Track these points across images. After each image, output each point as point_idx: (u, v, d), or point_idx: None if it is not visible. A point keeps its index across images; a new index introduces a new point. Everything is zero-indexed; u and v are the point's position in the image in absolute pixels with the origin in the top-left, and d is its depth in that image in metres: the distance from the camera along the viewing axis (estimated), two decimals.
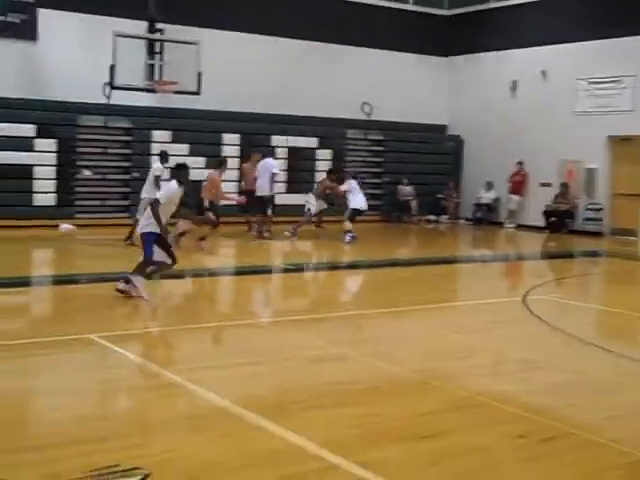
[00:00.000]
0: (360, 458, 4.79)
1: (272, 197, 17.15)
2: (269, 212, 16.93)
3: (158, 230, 9.39)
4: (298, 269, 13.18)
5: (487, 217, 22.26)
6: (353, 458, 4.77)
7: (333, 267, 14.20)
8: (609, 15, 19.88)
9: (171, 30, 18.17)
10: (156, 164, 14.88)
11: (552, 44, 21.09)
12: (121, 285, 9.44)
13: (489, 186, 22.49)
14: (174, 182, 9.85)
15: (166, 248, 9.60)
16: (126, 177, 19.08)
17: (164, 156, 14.87)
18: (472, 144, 23.38)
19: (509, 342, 8.20)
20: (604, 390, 6.60)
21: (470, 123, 23.25)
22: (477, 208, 22.58)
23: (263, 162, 17.09)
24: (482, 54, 23.00)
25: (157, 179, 14.50)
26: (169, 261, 9.57)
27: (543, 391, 6.42)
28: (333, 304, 10.43)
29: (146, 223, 9.53)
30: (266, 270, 13.29)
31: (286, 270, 13.34)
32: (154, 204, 9.52)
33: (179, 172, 10.05)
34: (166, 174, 14.46)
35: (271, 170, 16.90)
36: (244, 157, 18.98)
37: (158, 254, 9.42)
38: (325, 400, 5.95)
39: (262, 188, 16.80)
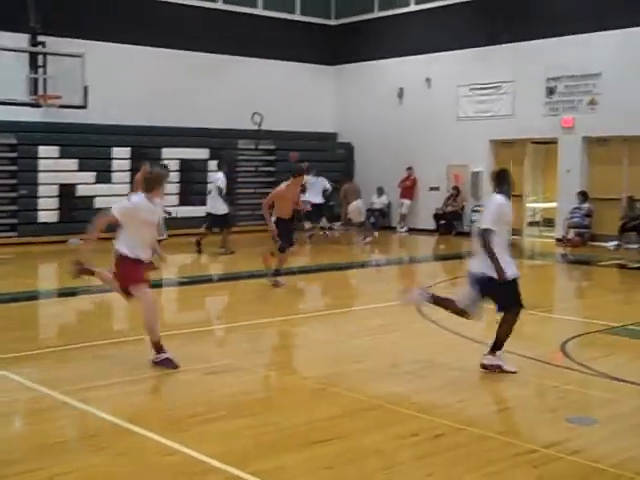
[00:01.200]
0: (257, 468, 4.84)
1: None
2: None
3: None
4: (191, 282, 13.08)
5: (380, 222, 22.66)
6: (250, 468, 4.82)
7: (226, 278, 14.16)
8: (488, 23, 20.61)
9: (54, 43, 17.76)
10: (218, 174, 15.47)
11: (435, 52, 21.70)
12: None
13: (380, 192, 22.91)
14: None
15: None
16: (13, 195, 18.52)
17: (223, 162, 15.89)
18: (362, 151, 23.78)
19: (402, 344, 8.40)
20: (490, 385, 6.87)
21: (360, 130, 23.65)
22: (370, 213, 22.91)
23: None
24: (369, 62, 23.44)
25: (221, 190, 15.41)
26: None
27: (434, 390, 6.62)
28: (227, 315, 10.42)
29: None
30: (156, 284, 13.09)
31: (179, 283, 13.24)
32: None
33: None
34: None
35: (217, 184, 16.62)
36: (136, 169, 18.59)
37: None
38: (220, 412, 5.97)
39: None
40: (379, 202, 22.89)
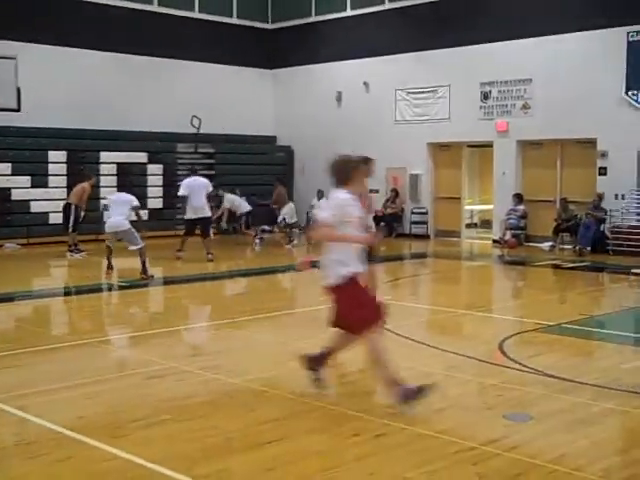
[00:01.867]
0: (199, 472, 4.83)
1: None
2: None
3: None
4: (131, 286, 12.95)
5: None
6: (192, 472, 4.81)
7: (168, 282, 14.06)
8: (425, 28, 20.90)
9: None
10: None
11: (373, 56, 21.91)
12: None
13: (320, 194, 22.94)
14: None
15: None
16: None
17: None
18: (302, 154, 23.85)
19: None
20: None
21: (299, 133, 23.72)
22: (310, 216, 23.00)
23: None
24: (307, 66, 23.55)
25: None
26: None
27: (374, 391, 6.67)
28: (170, 319, 10.35)
29: None
30: (96, 289, 12.94)
31: (119, 287, 13.09)
32: None
33: None
34: None
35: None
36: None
37: None
38: (162, 416, 5.93)
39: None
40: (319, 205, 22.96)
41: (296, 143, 24.04)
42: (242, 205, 19.46)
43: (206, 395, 6.53)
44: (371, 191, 21.91)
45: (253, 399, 6.42)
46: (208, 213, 16.08)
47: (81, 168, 16.68)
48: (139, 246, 13.49)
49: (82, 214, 16.73)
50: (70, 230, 16.40)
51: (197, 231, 16.03)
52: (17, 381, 6.90)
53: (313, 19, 23.61)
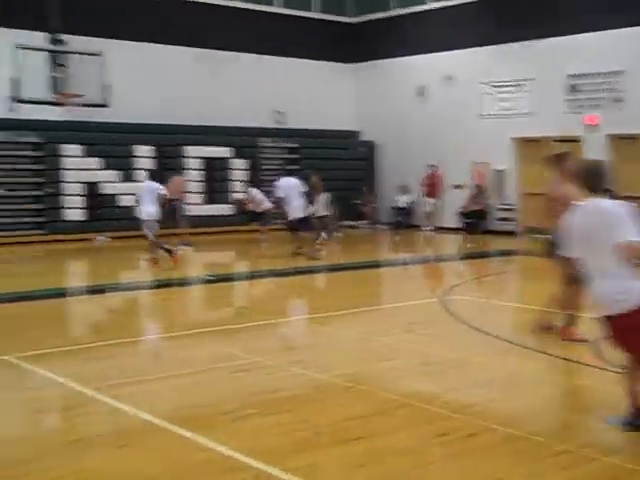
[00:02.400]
0: (289, 465, 4.81)
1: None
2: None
3: None
4: (218, 279, 13.11)
5: (405, 221, 22.58)
6: (282, 466, 4.80)
7: (252, 276, 14.17)
8: (509, 20, 20.48)
9: (75, 41, 17.86)
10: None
11: (456, 49, 21.60)
12: None
13: (404, 190, 22.84)
14: None
15: None
16: (39, 193, 18.65)
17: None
18: (385, 149, 23.71)
19: (430, 343, 8.34)
20: (522, 385, 6.78)
21: (382, 128, 23.58)
22: (394, 212, 22.88)
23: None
24: (389, 60, 23.38)
25: None
26: None
27: (464, 389, 6.56)
28: (254, 313, 10.42)
29: None
30: (185, 282, 13.17)
31: (206, 281, 13.25)
32: None
33: None
34: None
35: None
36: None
37: None
38: (250, 410, 5.95)
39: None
40: (403, 200, 22.83)
41: (379, 138, 23.90)
42: (263, 201, 18.81)
43: (293, 389, 6.53)
44: (456, 187, 21.84)
45: (340, 394, 6.39)
46: (305, 212, 16.12)
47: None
48: (151, 238, 14.05)
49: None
50: (178, 223, 16.76)
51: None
52: (110, 371, 7.05)
53: (396, 12, 23.42)
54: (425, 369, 7.28)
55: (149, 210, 14.11)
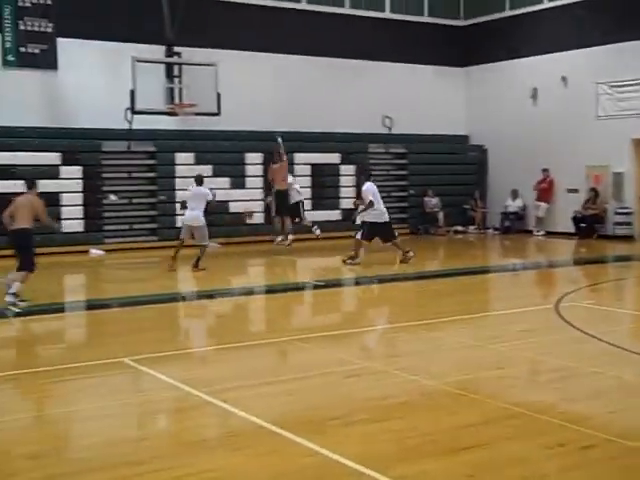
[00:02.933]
0: (398, 473, 4.77)
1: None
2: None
3: None
4: (326, 285, 13.17)
5: (515, 226, 22.13)
6: (391, 473, 4.76)
7: (362, 282, 14.17)
8: (626, 17, 19.76)
9: (188, 52, 18.33)
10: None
11: (570, 49, 21.01)
12: None
13: (515, 194, 22.38)
14: None
15: None
16: (152, 200, 19.22)
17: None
18: (496, 153, 23.29)
19: (543, 351, 8.11)
20: None
21: (493, 132, 23.17)
22: (505, 217, 22.45)
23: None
24: (500, 63, 22.95)
25: None
26: None
27: (580, 399, 6.35)
28: (364, 318, 10.41)
29: None
30: (295, 287, 13.30)
31: (315, 286, 13.33)
32: None
33: None
34: None
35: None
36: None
37: None
38: (360, 415, 5.93)
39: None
40: (514, 205, 22.38)
41: (489, 142, 23.51)
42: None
43: (403, 396, 6.47)
44: (570, 191, 21.22)
45: (451, 402, 6.29)
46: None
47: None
48: (205, 244, 14.31)
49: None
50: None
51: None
52: (221, 375, 7.17)
53: (507, 13, 22.96)
54: (538, 378, 7.10)
55: (197, 215, 14.33)
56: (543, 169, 21.55)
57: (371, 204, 14.90)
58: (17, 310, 10.45)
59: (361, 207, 15.28)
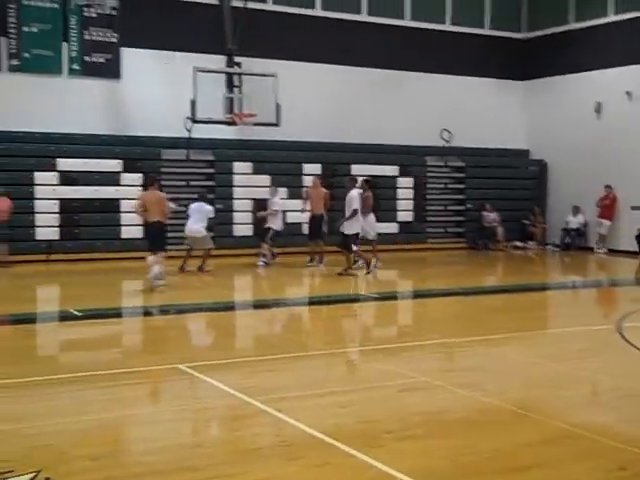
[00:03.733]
0: None
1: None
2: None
3: None
4: (384, 298, 13.10)
5: (576, 242, 21.75)
6: None
7: (419, 295, 14.05)
8: None
9: (248, 63, 18.48)
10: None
11: (635, 64, 20.62)
12: None
13: (576, 211, 22.00)
14: None
15: None
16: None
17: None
18: (557, 168, 22.94)
19: (604, 371, 7.92)
20: None
21: (554, 147, 22.84)
22: (565, 233, 22.09)
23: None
24: (563, 76, 22.63)
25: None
26: None
27: None
28: (422, 332, 10.31)
29: None
30: (351, 299, 13.25)
31: (372, 299, 13.26)
32: None
33: None
34: None
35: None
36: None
37: None
38: (416, 430, 5.85)
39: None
40: (575, 221, 22.01)
41: (550, 157, 23.18)
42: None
43: (460, 412, 6.37)
44: (634, 208, 20.69)
45: (508, 420, 6.17)
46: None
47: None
48: (209, 246, 15.76)
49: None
50: (318, 239, 16.99)
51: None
52: (276, 384, 7.16)
53: (571, 26, 22.63)
54: (597, 399, 6.93)
55: (198, 228, 15.78)
56: (606, 185, 21.14)
57: (354, 212, 14.91)
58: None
59: (347, 215, 15.14)
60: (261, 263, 16.76)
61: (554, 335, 10.41)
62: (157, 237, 13.47)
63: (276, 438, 5.69)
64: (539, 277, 16.94)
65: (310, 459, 5.21)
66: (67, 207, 17.89)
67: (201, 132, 18.52)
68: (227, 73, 18.53)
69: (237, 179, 19.62)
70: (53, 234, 17.75)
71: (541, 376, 7.65)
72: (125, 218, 18.27)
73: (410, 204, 21.44)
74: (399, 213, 21.14)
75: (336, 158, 20.63)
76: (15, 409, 6.33)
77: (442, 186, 22.30)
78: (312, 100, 20.37)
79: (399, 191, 21.31)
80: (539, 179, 23.24)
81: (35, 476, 4.72)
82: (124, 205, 18.27)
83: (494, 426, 6.02)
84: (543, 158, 23.38)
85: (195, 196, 17.78)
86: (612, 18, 21.55)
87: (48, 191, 17.73)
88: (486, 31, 23.40)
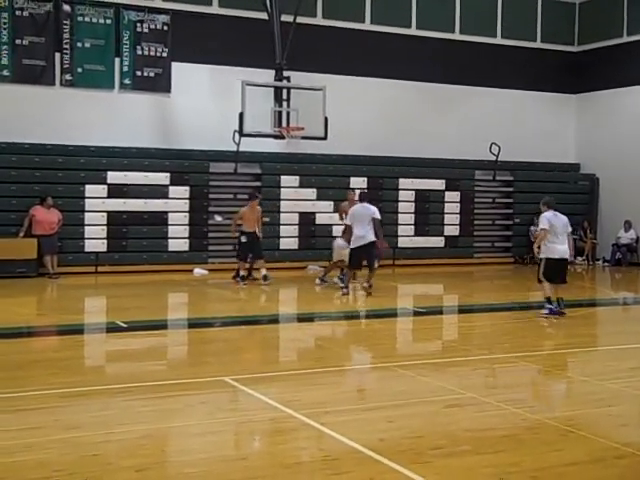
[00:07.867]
0: None
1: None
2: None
3: None
4: (428, 312, 12.99)
5: (627, 258, 21.36)
6: None
7: (464, 310, 13.91)
8: None
9: (297, 77, 18.56)
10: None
11: None
12: None
13: (629, 226, 21.61)
14: None
15: None
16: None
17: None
18: (608, 182, 22.57)
19: None
20: None
21: (605, 161, 22.49)
22: (616, 249, 21.71)
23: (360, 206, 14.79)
24: (615, 90, 22.30)
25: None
26: None
27: None
28: (468, 348, 10.18)
29: None
30: (395, 313, 13.17)
31: (415, 313, 13.17)
32: None
33: None
34: None
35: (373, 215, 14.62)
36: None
37: None
38: (462, 447, 5.76)
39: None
40: (626, 237, 21.62)
41: (602, 171, 22.81)
42: None
43: (507, 429, 6.26)
44: None
45: (557, 438, 6.04)
46: None
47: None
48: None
49: None
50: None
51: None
52: (320, 398, 7.11)
53: (623, 39, 22.30)
54: None
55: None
56: None
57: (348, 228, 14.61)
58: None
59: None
60: (318, 282, 15.99)
61: (604, 352, 10.20)
62: (248, 246, 15.83)
63: (320, 452, 5.65)
64: (588, 293, 16.65)
65: (354, 474, 5.16)
66: (115, 219, 18.12)
67: (249, 145, 18.62)
68: (275, 87, 18.63)
69: (284, 192, 19.68)
70: (101, 246, 17.97)
71: (590, 394, 7.49)
72: (172, 231, 18.45)
73: (457, 218, 21.27)
74: (446, 227, 20.99)
75: (384, 172, 20.58)
76: (66, 419, 6.40)
77: (490, 200, 22.09)
78: (359, 113, 20.38)
79: (446, 205, 21.16)
80: (590, 194, 22.89)
81: None
82: (171, 218, 18.45)
83: (541, 444, 5.90)
84: (594, 172, 23.02)
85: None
86: None
87: (97, 204, 17.97)
88: (537, 44, 23.16)
